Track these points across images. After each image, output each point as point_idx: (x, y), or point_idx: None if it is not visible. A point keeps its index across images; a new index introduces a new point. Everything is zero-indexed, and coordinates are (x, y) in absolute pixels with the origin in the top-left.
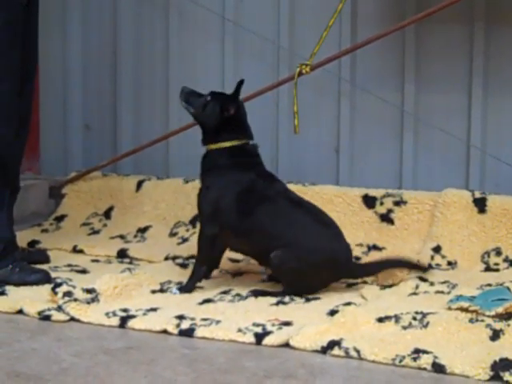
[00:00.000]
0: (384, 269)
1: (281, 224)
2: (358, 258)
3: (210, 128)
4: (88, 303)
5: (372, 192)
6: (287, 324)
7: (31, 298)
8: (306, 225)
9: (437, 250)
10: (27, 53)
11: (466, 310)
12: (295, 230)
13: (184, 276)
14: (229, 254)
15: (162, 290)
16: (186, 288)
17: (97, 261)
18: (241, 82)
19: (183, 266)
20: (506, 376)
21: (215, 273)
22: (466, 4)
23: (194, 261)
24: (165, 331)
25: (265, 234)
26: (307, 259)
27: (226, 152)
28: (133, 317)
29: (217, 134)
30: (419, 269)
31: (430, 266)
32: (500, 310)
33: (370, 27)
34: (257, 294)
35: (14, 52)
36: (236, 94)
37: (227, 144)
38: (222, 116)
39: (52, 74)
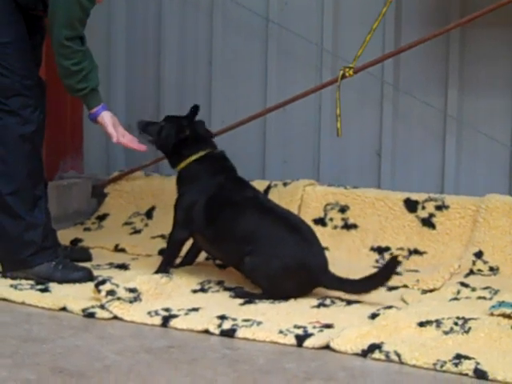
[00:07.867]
0: (367, 289)
1: (248, 231)
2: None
3: (169, 151)
4: (131, 302)
5: (414, 196)
6: (328, 326)
7: (74, 296)
8: (274, 231)
9: (479, 255)
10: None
11: (508, 316)
12: (263, 236)
13: (223, 276)
14: None
15: (202, 290)
16: None
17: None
18: (195, 108)
19: (223, 266)
20: None
21: None
22: (511, 7)
23: None
24: (206, 331)
25: (232, 240)
26: (277, 264)
27: (195, 164)
28: (175, 316)
29: (180, 155)
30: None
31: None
32: None
33: (414, 31)
34: (239, 294)
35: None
36: (190, 116)
37: (193, 157)
38: (178, 137)
39: None
